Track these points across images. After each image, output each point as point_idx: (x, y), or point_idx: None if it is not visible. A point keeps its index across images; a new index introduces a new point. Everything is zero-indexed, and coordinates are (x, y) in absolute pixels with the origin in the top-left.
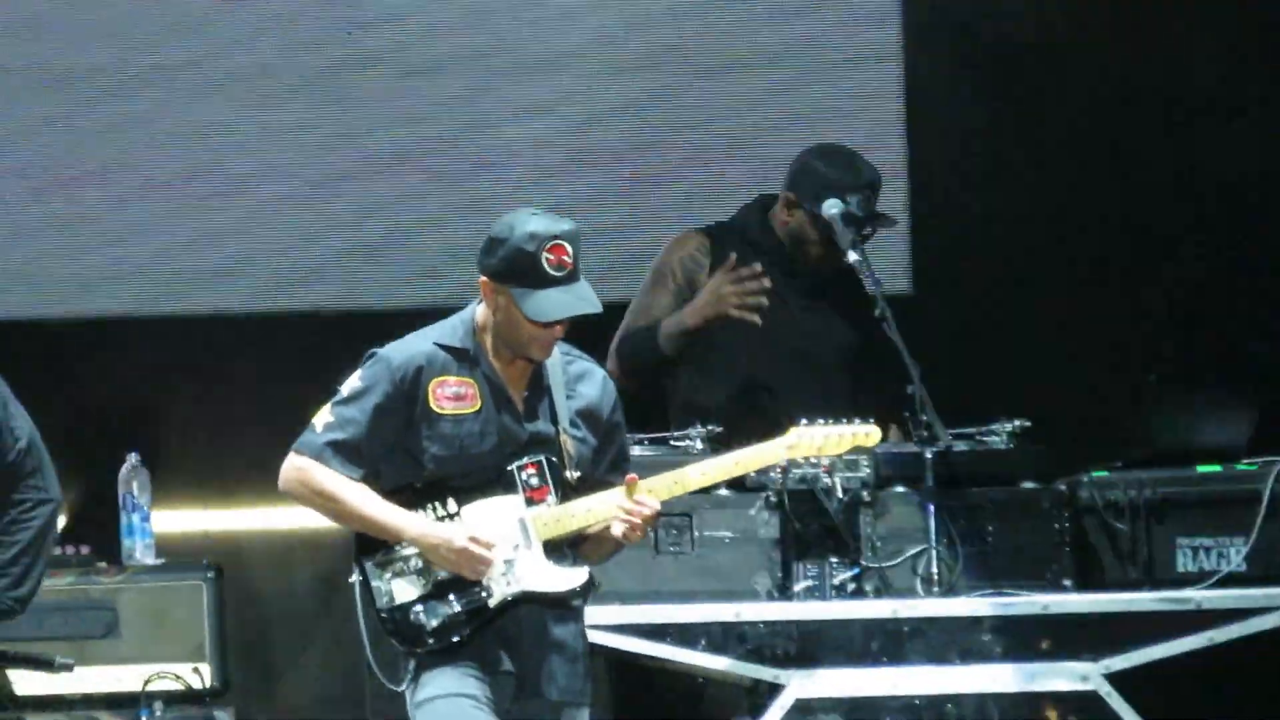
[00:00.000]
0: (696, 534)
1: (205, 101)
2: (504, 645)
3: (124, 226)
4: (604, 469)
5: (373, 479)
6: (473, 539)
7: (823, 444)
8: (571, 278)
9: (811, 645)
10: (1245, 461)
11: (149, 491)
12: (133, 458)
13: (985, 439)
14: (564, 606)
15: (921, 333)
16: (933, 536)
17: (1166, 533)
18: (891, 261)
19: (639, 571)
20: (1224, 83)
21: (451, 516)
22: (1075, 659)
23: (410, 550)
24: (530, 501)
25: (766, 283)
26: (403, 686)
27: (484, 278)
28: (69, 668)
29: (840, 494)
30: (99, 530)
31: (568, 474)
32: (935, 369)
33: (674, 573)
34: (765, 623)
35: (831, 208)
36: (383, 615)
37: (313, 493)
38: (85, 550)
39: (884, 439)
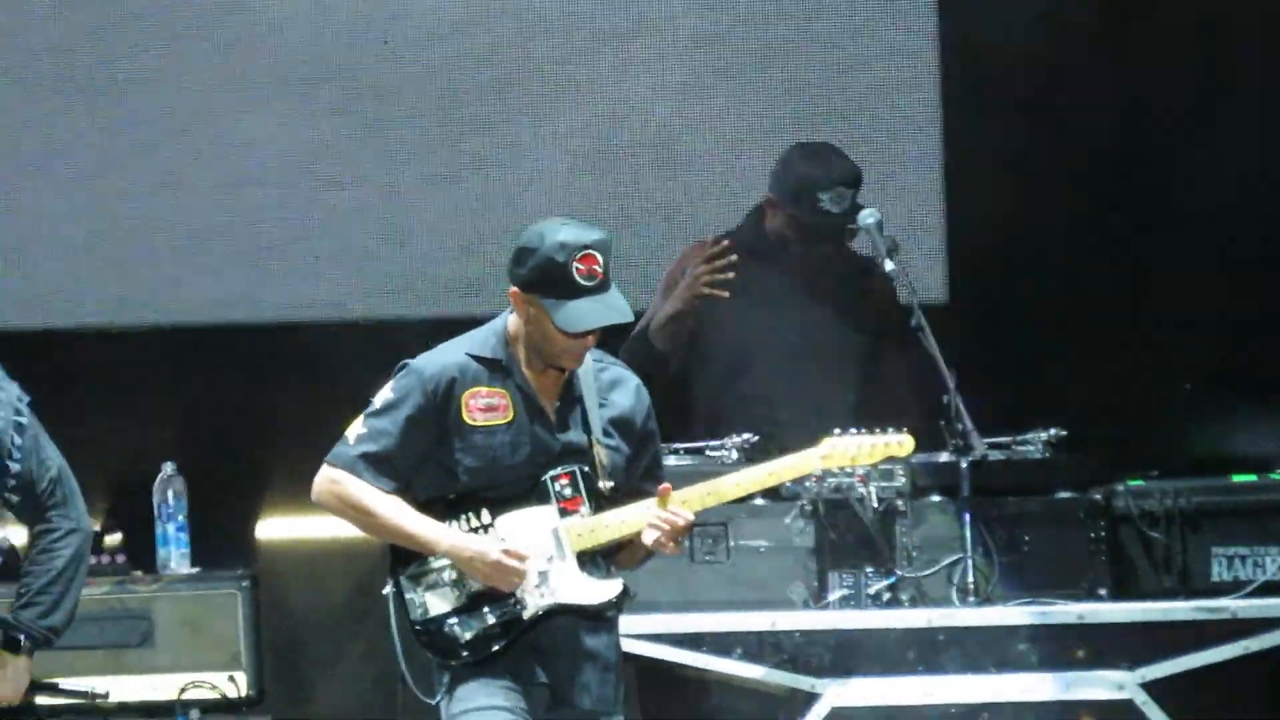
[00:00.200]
0: (732, 543)
1: (255, 114)
2: (538, 657)
3: (163, 241)
4: (638, 477)
5: (406, 490)
6: (506, 551)
7: (856, 454)
8: (602, 287)
9: (847, 654)
10: None
11: (185, 500)
12: (168, 467)
13: (1021, 448)
14: (598, 618)
15: (957, 342)
16: (968, 546)
17: (1202, 542)
18: (927, 271)
19: (675, 581)
20: (1262, 90)
21: (485, 528)
22: (1111, 668)
23: (444, 563)
24: (564, 512)
25: (734, 258)
26: (437, 699)
27: (514, 288)
28: (104, 697)
29: (875, 503)
30: (134, 540)
31: (601, 484)
32: (971, 378)
33: (710, 582)
34: (801, 632)
35: (868, 217)
36: (417, 627)
37: (345, 505)
38: (121, 559)
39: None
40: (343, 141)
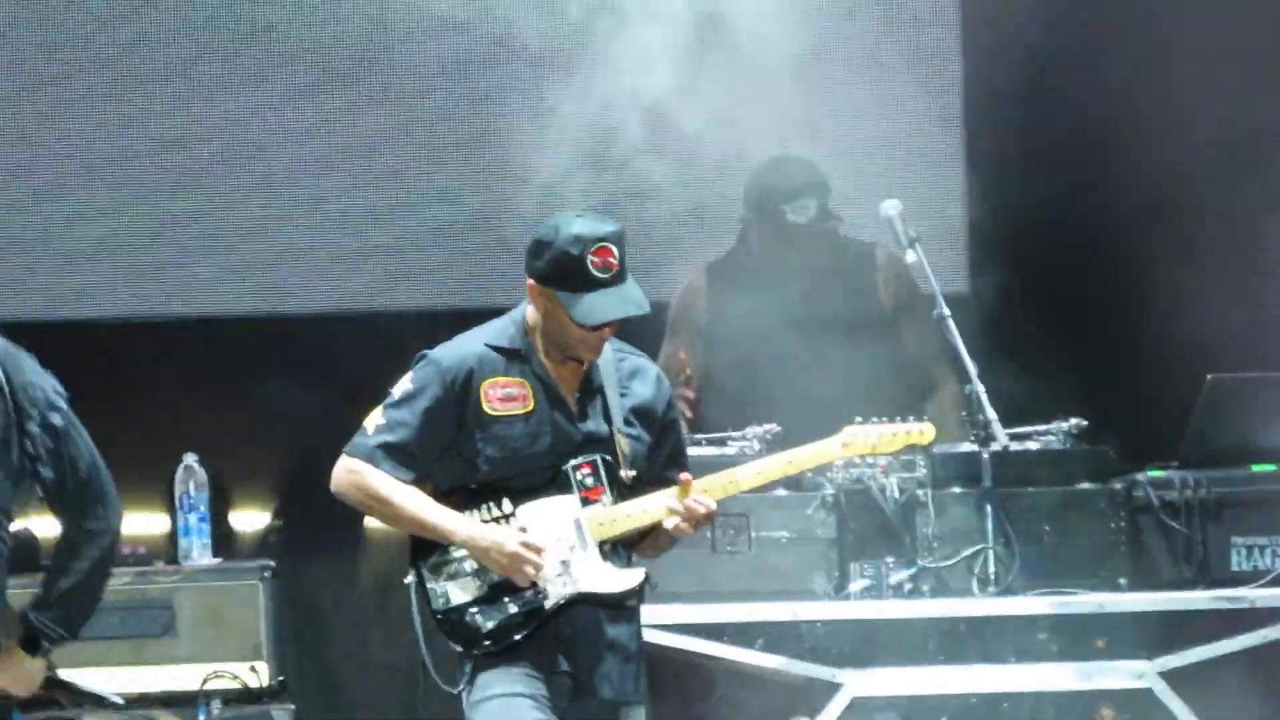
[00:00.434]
0: (753, 534)
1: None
2: (559, 645)
3: (191, 235)
4: (660, 466)
5: (426, 480)
6: (524, 543)
7: (876, 442)
8: (618, 279)
9: (868, 644)
10: None
11: (206, 491)
12: (189, 458)
13: (1042, 439)
14: (620, 607)
15: (979, 333)
16: (990, 536)
17: (1222, 532)
18: (949, 261)
19: (696, 571)
20: (1275, 85)
21: (507, 517)
22: (1131, 658)
23: (464, 552)
24: (585, 501)
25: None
26: (459, 688)
27: (531, 280)
28: (119, 706)
29: (897, 494)
30: (155, 530)
31: (622, 473)
32: (992, 369)
33: (731, 572)
34: (822, 622)
35: (890, 209)
36: (439, 616)
37: (364, 495)
38: (142, 550)
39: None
40: (368, 138)
